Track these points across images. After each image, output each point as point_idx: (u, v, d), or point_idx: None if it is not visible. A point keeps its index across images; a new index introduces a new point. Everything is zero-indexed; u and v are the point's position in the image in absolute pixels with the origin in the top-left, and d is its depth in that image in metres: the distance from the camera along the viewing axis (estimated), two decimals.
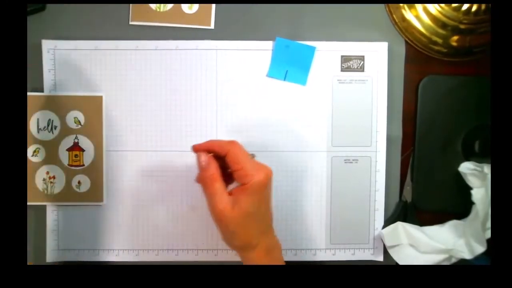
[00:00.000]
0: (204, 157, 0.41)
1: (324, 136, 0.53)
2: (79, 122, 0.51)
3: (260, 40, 0.52)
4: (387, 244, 0.52)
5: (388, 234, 0.51)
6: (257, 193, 0.40)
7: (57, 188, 0.52)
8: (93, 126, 0.51)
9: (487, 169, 0.49)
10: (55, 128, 0.51)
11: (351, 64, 0.53)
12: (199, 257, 0.53)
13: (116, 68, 0.52)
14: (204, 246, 0.53)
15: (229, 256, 0.53)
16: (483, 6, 0.48)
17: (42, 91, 0.52)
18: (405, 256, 0.51)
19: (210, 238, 0.53)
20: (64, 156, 0.52)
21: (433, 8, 0.50)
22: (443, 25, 0.51)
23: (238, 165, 0.40)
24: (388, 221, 0.53)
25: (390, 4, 0.53)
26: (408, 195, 0.54)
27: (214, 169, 0.41)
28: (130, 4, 0.52)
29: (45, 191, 0.52)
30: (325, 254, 0.54)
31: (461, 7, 0.48)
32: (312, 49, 0.52)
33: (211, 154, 0.42)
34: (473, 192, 0.51)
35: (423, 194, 0.54)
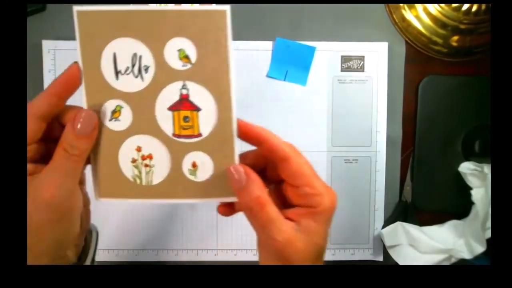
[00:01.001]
0: (242, 171, 0.29)
1: (324, 136, 0.53)
2: (188, 58, 0.29)
3: (260, 40, 0.52)
4: (387, 244, 0.52)
5: (388, 234, 0.51)
6: (328, 220, 0.29)
7: (158, 174, 0.31)
8: (213, 65, 0.29)
9: (487, 169, 0.49)
10: (145, 70, 0.30)
11: (351, 64, 0.53)
12: (198, 257, 0.53)
13: None
14: (204, 246, 0.53)
15: (228, 256, 0.53)
16: (483, 6, 0.48)
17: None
18: (405, 256, 0.51)
19: (210, 238, 0.53)
20: (166, 120, 0.30)
21: (433, 8, 0.50)
22: (443, 25, 0.51)
23: (304, 180, 0.29)
24: (388, 221, 0.53)
25: (390, 4, 0.53)
26: (408, 195, 0.54)
27: (260, 189, 0.28)
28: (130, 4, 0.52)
29: (137, 180, 0.31)
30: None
31: (461, 7, 0.48)
32: (312, 49, 0.52)
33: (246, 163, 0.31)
34: (473, 192, 0.51)
35: (423, 194, 0.54)
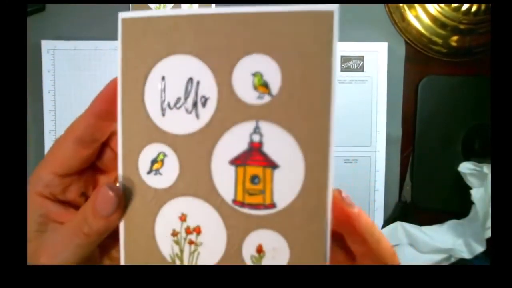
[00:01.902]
0: None
1: None
2: (266, 86, 0.20)
3: None
4: None
5: (388, 234, 0.51)
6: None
7: (206, 257, 0.22)
8: (306, 97, 0.20)
9: (487, 169, 0.49)
10: (203, 103, 0.21)
11: (351, 64, 0.53)
12: None
13: (116, 69, 0.52)
14: None
15: None
16: (482, 6, 0.48)
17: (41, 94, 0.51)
18: (405, 256, 0.51)
19: None
20: (225, 179, 0.21)
21: (433, 8, 0.50)
22: (443, 25, 0.51)
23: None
24: (387, 221, 0.53)
25: (389, 4, 0.53)
26: (408, 195, 0.54)
27: None
28: (130, 4, 0.52)
29: (177, 261, 0.23)
30: None
31: (460, 7, 0.49)
32: None
33: None
34: (473, 192, 0.51)
35: (423, 194, 0.54)
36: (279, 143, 0.20)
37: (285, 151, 0.20)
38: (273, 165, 0.20)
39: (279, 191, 0.20)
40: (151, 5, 0.52)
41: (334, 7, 0.19)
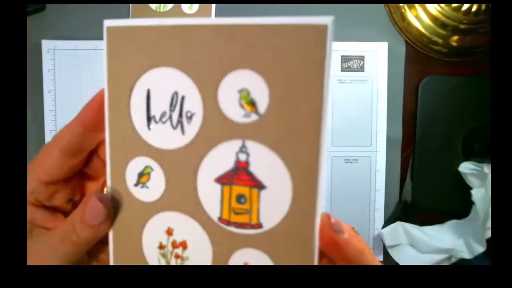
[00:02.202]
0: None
1: None
2: (253, 104, 0.19)
3: None
4: (387, 244, 0.52)
5: (388, 234, 0.51)
6: None
7: None
8: (295, 118, 0.19)
9: (487, 169, 0.49)
10: (189, 119, 0.20)
11: (351, 64, 0.53)
12: None
13: None
14: None
15: None
16: (483, 6, 0.48)
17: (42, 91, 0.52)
18: (405, 256, 0.51)
19: None
20: (211, 197, 0.21)
21: (433, 8, 0.50)
22: (443, 25, 0.51)
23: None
24: (388, 221, 0.53)
25: (390, 4, 0.53)
26: (408, 195, 0.54)
27: None
28: (130, 4, 0.52)
29: None
30: None
31: (461, 7, 0.48)
32: None
33: None
34: (473, 192, 0.51)
35: (423, 194, 0.54)
36: (266, 163, 0.19)
37: (272, 172, 0.19)
38: (260, 186, 0.19)
39: (265, 211, 0.20)
40: (151, 5, 0.52)
41: (328, 20, 0.17)
